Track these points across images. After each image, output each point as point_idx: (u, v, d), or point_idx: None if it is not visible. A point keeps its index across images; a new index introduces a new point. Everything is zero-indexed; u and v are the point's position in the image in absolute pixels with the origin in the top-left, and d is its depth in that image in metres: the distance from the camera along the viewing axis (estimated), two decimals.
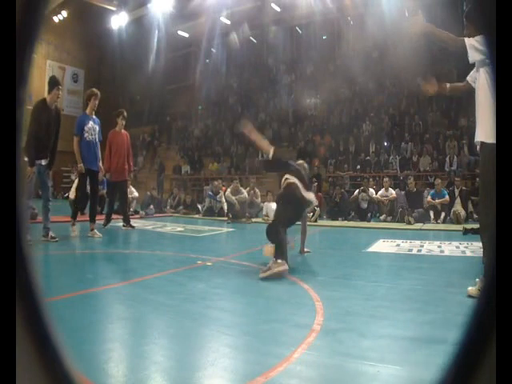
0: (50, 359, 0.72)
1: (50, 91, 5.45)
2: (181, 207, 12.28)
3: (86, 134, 6.32)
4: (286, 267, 3.72)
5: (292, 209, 4.25)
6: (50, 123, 5.45)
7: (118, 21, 22.16)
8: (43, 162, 5.51)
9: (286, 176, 4.33)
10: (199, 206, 11.91)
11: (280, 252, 3.81)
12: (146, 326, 2.43)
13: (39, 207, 5.78)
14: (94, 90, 6.63)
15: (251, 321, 2.53)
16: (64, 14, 21.87)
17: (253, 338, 2.19)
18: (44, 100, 5.42)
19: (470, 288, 2.93)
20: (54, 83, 5.56)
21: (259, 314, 2.67)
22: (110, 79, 24.72)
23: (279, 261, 3.71)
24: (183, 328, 2.36)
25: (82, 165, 6.30)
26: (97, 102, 6.50)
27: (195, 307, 2.77)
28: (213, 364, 1.84)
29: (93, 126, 6.41)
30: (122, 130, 7.49)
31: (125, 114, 7.48)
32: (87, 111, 6.53)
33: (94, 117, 6.51)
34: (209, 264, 4.32)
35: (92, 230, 6.35)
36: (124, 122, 7.43)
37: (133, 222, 8.20)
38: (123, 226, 7.68)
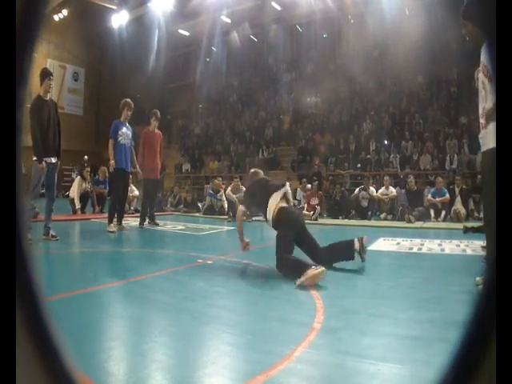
0: (50, 358, 0.72)
1: (41, 82, 5.43)
2: (181, 206, 12.29)
3: (119, 138, 6.81)
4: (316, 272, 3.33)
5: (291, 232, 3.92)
6: (50, 117, 5.45)
7: (119, 20, 22.12)
8: (53, 160, 5.51)
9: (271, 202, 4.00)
10: (199, 205, 11.92)
11: (297, 272, 3.38)
12: (147, 324, 2.44)
13: (39, 206, 5.77)
14: (128, 100, 7.06)
15: (252, 319, 2.53)
16: (64, 12, 21.83)
17: (253, 337, 2.19)
18: (39, 96, 5.39)
19: (478, 278, 3.06)
20: (45, 74, 5.52)
21: (260, 312, 2.68)
22: (110, 78, 24.71)
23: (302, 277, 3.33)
24: (184, 326, 2.36)
25: (113, 161, 6.71)
26: (130, 113, 7.00)
27: (195, 305, 2.77)
28: (213, 362, 1.84)
29: (126, 132, 6.92)
30: (156, 130, 7.76)
31: (158, 114, 7.75)
32: (121, 119, 6.95)
33: (127, 124, 7.01)
34: (209, 262, 4.33)
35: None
36: (157, 123, 7.72)
37: (133, 220, 8.24)
38: (149, 223, 7.90)
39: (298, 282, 3.29)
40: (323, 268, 3.35)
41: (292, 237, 3.90)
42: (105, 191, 10.92)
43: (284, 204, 4.05)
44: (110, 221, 6.85)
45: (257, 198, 4.19)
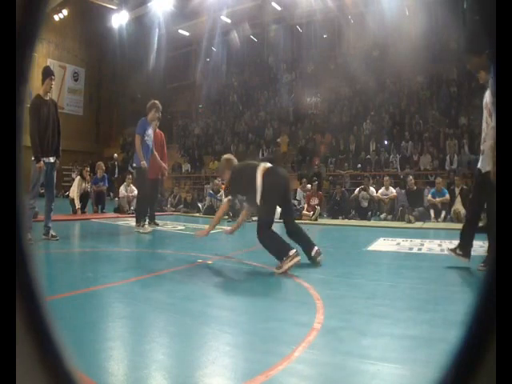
0: (51, 358, 0.72)
1: (43, 81, 5.41)
2: (181, 206, 12.29)
3: (146, 138, 6.74)
4: (297, 258, 3.82)
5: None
6: (50, 117, 5.43)
7: (119, 19, 22.13)
8: (51, 160, 5.49)
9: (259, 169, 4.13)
10: (200, 205, 11.92)
11: (278, 253, 3.87)
12: (147, 324, 2.44)
13: (39, 205, 5.77)
14: (157, 102, 6.93)
15: (251, 319, 2.53)
16: (64, 12, 21.87)
17: (253, 337, 2.19)
18: (39, 95, 5.37)
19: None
20: (47, 73, 5.49)
21: (259, 312, 2.68)
22: (110, 78, 24.76)
23: (284, 258, 3.78)
24: (183, 326, 2.36)
25: (144, 162, 6.62)
26: (157, 115, 6.92)
27: (195, 305, 2.77)
28: (213, 362, 1.84)
29: (151, 133, 6.90)
30: (157, 130, 7.72)
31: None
32: (148, 118, 6.87)
33: (152, 125, 6.97)
34: (209, 262, 4.33)
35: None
36: (157, 123, 7.62)
37: (132, 221, 8.24)
38: (149, 223, 7.78)
39: (286, 265, 3.73)
40: (299, 257, 3.84)
41: (276, 206, 4.23)
42: (104, 188, 10.95)
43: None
44: (138, 221, 6.81)
45: (245, 178, 4.17)
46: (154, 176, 7.74)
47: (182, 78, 23.67)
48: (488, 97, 3.43)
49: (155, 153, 7.40)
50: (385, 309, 2.69)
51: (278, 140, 16.59)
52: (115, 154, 18.23)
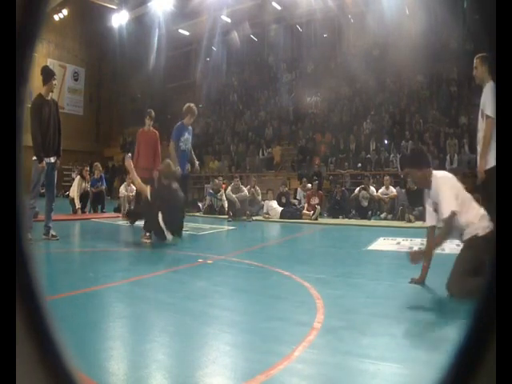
0: (51, 357, 0.72)
1: (45, 82, 5.37)
2: None
3: (181, 144, 6.72)
4: None
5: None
6: (51, 117, 5.42)
7: (119, 19, 22.09)
8: (52, 160, 5.49)
9: None
10: (200, 204, 11.92)
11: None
12: (147, 324, 2.44)
13: (40, 205, 5.77)
14: (193, 106, 6.90)
15: (252, 319, 2.53)
16: (64, 12, 21.83)
17: (253, 336, 2.19)
18: (40, 95, 5.35)
19: None
20: (49, 74, 5.47)
21: (260, 312, 2.68)
22: (110, 77, 24.73)
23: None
24: (184, 326, 2.36)
25: (179, 167, 6.54)
26: (192, 120, 6.99)
27: (196, 305, 2.77)
28: (214, 362, 1.84)
29: (187, 138, 6.87)
30: (151, 129, 7.73)
31: (152, 114, 7.65)
32: (185, 122, 6.85)
33: (189, 128, 6.95)
34: (209, 262, 4.33)
35: None
36: (151, 122, 7.64)
37: (132, 220, 8.25)
38: None
39: None
40: None
41: None
42: (102, 188, 10.95)
43: None
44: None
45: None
46: (146, 175, 7.56)
47: (182, 78, 23.64)
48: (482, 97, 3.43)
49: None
50: (385, 308, 2.69)
51: (269, 150, 16.50)
52: (129, 154, 18.29)
